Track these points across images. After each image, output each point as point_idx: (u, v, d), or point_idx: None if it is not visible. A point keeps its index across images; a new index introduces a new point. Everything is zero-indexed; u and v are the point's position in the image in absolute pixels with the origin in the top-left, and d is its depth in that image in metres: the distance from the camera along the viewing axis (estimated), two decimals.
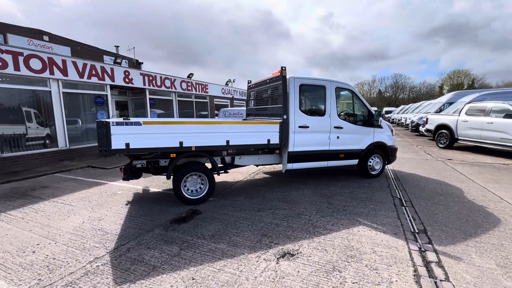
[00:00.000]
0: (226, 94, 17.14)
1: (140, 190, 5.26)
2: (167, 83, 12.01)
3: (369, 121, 5.73)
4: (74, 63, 8.17)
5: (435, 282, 2.36)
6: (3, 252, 2.95)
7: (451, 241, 3.09)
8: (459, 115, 10.22)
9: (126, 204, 4.46)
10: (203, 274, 2.51)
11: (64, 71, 7.93)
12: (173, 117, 12.61)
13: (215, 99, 16.02)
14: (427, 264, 2.65)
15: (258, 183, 5.73)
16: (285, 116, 4.83)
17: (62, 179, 6.28)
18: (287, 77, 4.89)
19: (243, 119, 7.19)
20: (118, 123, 3.75)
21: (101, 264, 2.68)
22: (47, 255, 2.86)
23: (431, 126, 11.67)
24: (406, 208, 4.17)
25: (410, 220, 3.70)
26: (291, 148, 5.00)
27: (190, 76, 13.58)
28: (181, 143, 4.12)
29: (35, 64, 7.26)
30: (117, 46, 20.34)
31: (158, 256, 2.83)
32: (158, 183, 5.71)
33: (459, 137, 10.09)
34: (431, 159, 8.37)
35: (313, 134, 5.16)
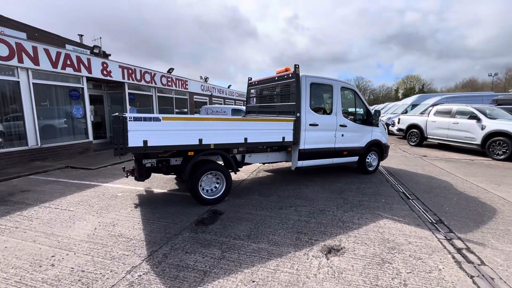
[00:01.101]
0: (205, 91, 16.67)
1: (142, 192, 4.87)
2: (147, 77, 11.28)
3: (368, 120, 6.04)
4: (47, 51, 7.23)
5: (475, 267, 2.58)
6: (13, 268, 2.51)
7: (468, 229, 3.41)
8: (428, 116, 11.28)
9: (135, 207, 4.11)
10: (261, 275, 2.42)
11: (35, 60, 6.98)
12: (153, 112, 11.89)
13: (194, 96, 15.48)
14: (458, 251, 2.89)
15: (264, 181, 5.68)
16: (298, 114, 4.87)
17: (42, 181, 5.54)
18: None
19: (242, 117, 7.06)
20: (136, 118, 3.43)
21: (143, 273, 2.43)
22: (72, 268, 2.51)
23: (403, 125, 12.70)
24: (413, 201, 4.49)
25: (423, 212, 4.00)
26: (301, 146, 5.06)
27: (170, 71, 12.93)
28: (200, 140, 3.91)
29: (1, 50, 6.28)
30: (81, 35, 18.46)
31: (202, 261, 2.66)
32: (159, 184, 5.35)
33: (428, 136, 11.15)
34: (408, 156, 9.13)
35: (321, 132, 5.28)
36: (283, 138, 4.72)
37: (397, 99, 53.58)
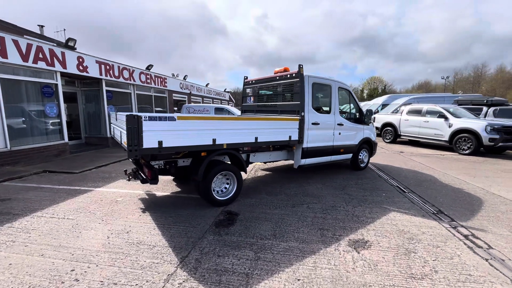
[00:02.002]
0: (184, 89, 16.15)
1: (143, 195, 4.60)
2: (125, 74, 10.61)
3: (361, 119, 6.36)
4: (16, 43, 6.45)
5: (485, 251, 2.88)
6: (30, 287, 2.23)
7: (466, 218, 3.78)
8: (401, 115, 12.18)
9: (143, 212, 3.87)
10: (303, 273, 2.45)
11: (3, 52, 6.19)
12: (132, 112, 11.22)
13: (173, 94, 14.92)
14: (466, 237, 3.20)
15: (266, 180, 5.70)
16: (302, 113, 4.97)
17: (21, 188, 4.95)
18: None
19: (238, 116, 6.99)
20: (151, 118, 3.23)
21: (183, 281, 2.32)
22: (102, 281, 2.30)
23: (378, 124, 13.54)
24: (410, 194, 4.84)
25: (423, 204, 4.34)
26: (305, 144, 5.17)
27: (149, 67, 12.30)
28: (214, 140, 3.80)
29: None
30: (42, 26, 16.67)
31: (239, 263, 2.61)
32: (158, 186, 5.09)
33: (401, 133, 12.05)
34: (388, 152, 9.78)
35: (322, 130, 5.44)
36: (290, 137, 4.78)
37: (362, 99, 56.90)
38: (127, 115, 3.09)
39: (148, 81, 12.19)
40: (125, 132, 3.26)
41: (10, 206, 4.05)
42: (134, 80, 11.12)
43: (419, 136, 11.15)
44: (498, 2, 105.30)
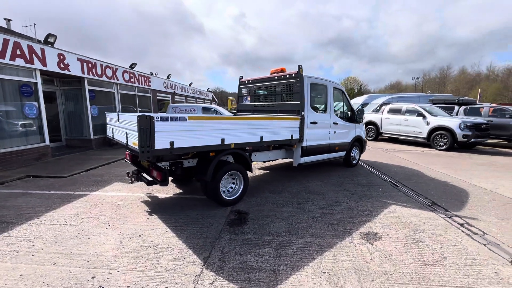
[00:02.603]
0: (168, 88, 15.74)
1: (144, 198, 4.47)
2: (109, 72, 10.14)
3: (353, 117, 6.63)
4: None
5: (481, 237, 3.17)
6: None
7: (458, 208, 4.11)
8: (382, 114, 12.81)
9: (150, 214, 3.78)
10: (326, 266, 2.55)
11: None
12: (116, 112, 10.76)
13: (157, 94, 14.49)
14: (462, 225, 3.49)
15: (265, 179, 5.77)
16: (302, 113, 5.09)
17: (8, 195, 4.60)
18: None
19: (234, 115, 6.98)
20: (163, 118, 3.17)
21: (213, 281, 2.33)
22: (128, 286, 2.24)
23: None
24: (403, 188, 5.15)
25: (417, 196, 4.64)
26: (304, 143, 5.30)
27: (132, 66, 11.85)
28: (223, 140, 3.80)
29: None
30: (9, 20, 15.36)
31: (262, 260, 2.65)
32: (158, 188, 4.95)
33: (383, 131, 12.67)
34: (372, 149, 10.26)
35: (319, 129, 5.61)
36: (292, 136, 4.89)
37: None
38: (138, 116, 3.00)
39: (132, 80, 11.75)
40: (134, 133, 3.17)
41: (1, 215, 3.76)
42: (117, 79, 10.67)
43: (400, 133, 11.81)
44: (459, 8, 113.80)
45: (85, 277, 2.36)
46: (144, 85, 12.86)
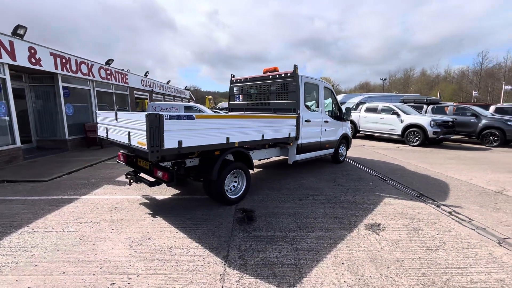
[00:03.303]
0: (146, 86, 15.10)
1: (141, 201, 4.30)
2: (84, 68, 9.50)
3: (341, 116, 6.92)
4: None
5: (469, 223, 3.52)
6: None
7: (443, 198, 4.50)
8: (360, 112, 13.47)
9: (153, 216, 3.65)
10: (343, 257, 2.68)
11: None
12: (92, 111, 10.13)
13: (135, 92, 13.85)
14: (450, 213, 3.84)
15: (261, 177, 5.82)
16: (298, 111, 5.22)
17: None
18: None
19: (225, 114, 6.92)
20: (172, 117, 3.09)
21: (239, 278, 2.34)
22: None
23: None
24: (391, 181, 5.51)
25: (405, 189, 4.99)
26: (299, 141, 5.44)
27: (109, 62, 11.20)
28: (227, 139, 3.79)
29: None
30: None
31: (282, 256, 2.71)
32: (155, 189, 4.78)
33: (361, 129, 13.35)
34: (353, 146, 10.73)
35: (312, 127, 5.79)
36: (289, 134, 5.00)
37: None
38: (148, 114, 2.90)
39: (109, 77, 11.11)
40: (141, 132, 3.06)
41: None
42: (93, 76, 10.03)
43: (377, 131, 12.52)
44: (420, 15, 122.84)
45: (103, 285, 2.24)
46: (121, 82, 12.23)
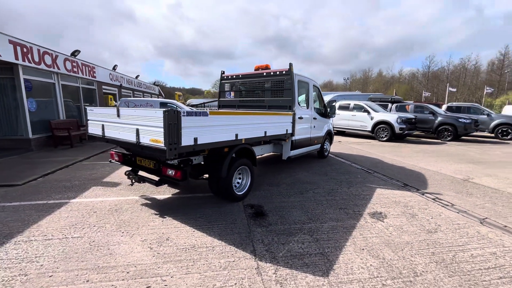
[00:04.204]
0: (114, 80, 14.08)
1: (142, 201, 4.09)
2: (47, 59, 8.55)
3: (326, 113, 7.27)
4: None
5: (452, 207, 4.02)
6: None
7: (424, 187, 5.03)
8: None
9: (162, 217, 3.52)
10: (361, 243, 2.90)
11: None
12: (58, 107, 9.19)
13: (103, 86, 12.84)
14: (434, 200, 4.33)
15: (257, 173, 5.86)
16: (294, 108, 5.38)
17: None
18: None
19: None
20: (188, 113, 3.01)
21: (275, 270, 2.41)
22: None
23: None
24: (376, 174, 5.98)
25: (390, 180, 5.47)
26: (294, 137, 5.62)
27: (75, 53, 10.21)
28: (236, 135, 3.80)
29: None
30: None
31: (305, 246, 2.84)
32: (153, 189, 4.58)
33: (334, 126, 14.08)
34: None
35: (304, 124, 6.02)
36: (287, 130, 5.14)
37: None
38: (167, 111, 2.79)
39: (75, 69, 10.15)
40: (156, 129, 2.94)
41: None
42: (58, 68, 9.08)
43: (349, 127, 13.33)
44: (376, 19, 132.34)
45: None
46: (89, 76, 11.26)
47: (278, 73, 5.54)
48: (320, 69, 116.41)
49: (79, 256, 2.60)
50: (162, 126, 2.83)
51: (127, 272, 2.36)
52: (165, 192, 4.49)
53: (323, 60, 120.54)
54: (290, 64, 5.33)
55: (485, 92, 35.01)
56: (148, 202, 4.07)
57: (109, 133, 3.73)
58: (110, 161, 4.41)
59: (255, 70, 6.15)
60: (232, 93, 6.42)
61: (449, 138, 12.34)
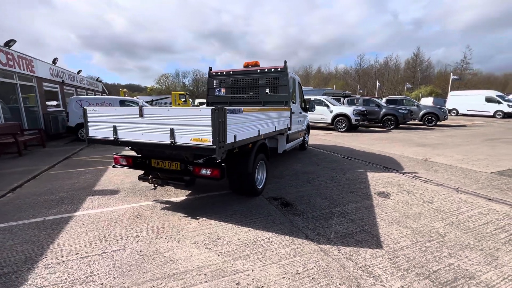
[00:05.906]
0: (55, 76, 12.13)
1: (160, 206, 3.86)
2: None
3: (306, 108, 7.78)
4: None
5: (430, 182, 4.90)
6: None
7: (401, 168, 5.92)
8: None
9: (195, 219, 3.42)
10: (387, 218, 3.38)
11: None
12: None
13: (43, 83, 10.97)
14: (415, 178, 5.18)
15: None
16: (289, 104, 5.68)
17: None
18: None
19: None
20: (231, 111, 3.02)
21: (337, 249, 2.68)
22: (283, 277, 2.26)
23: None
24: (356, 160, 6.74)
25: (371, 164, 6.26)
26: (289, 131, 5.93)
27: (10, 44, 8.49)
28: (259, 131, 3.90)
29: None
30: None
31: (347, 227, 3.17)
32: (161, 194, 4.32)
33: None
34: None
35: (295, 118, 6.37)
36: (287, 125, 5.41)
37: None
38: (215, 109, 2.77)
39: (11, 63, 8.47)
40: (199, 128, 2.88)
41: None
42: None
43: (311, 120, 14.30)
44: (311, 18, 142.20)
45: (229, 286, 2.16)
46: (27, 71, 9.51)
47: (273, 70, 5.74)
48: (263, 65, 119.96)
49: (138, 268, 2.42)
50: (210, 124, 2.78)
51: (205, 274, 2.32)
52: (178, 195, 4.30)
53: (266, 56, 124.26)
54: (285, 62, 5.58)
55: (405, 87, 41.40)
56: (168, 205, 3.87)
57: (125, 136, 3.40)
58: (113, 166, 4.00)
59: (245, 66, 6.22)
60: (223, 90, 6.36)
61: (392, 127, 14.40)
